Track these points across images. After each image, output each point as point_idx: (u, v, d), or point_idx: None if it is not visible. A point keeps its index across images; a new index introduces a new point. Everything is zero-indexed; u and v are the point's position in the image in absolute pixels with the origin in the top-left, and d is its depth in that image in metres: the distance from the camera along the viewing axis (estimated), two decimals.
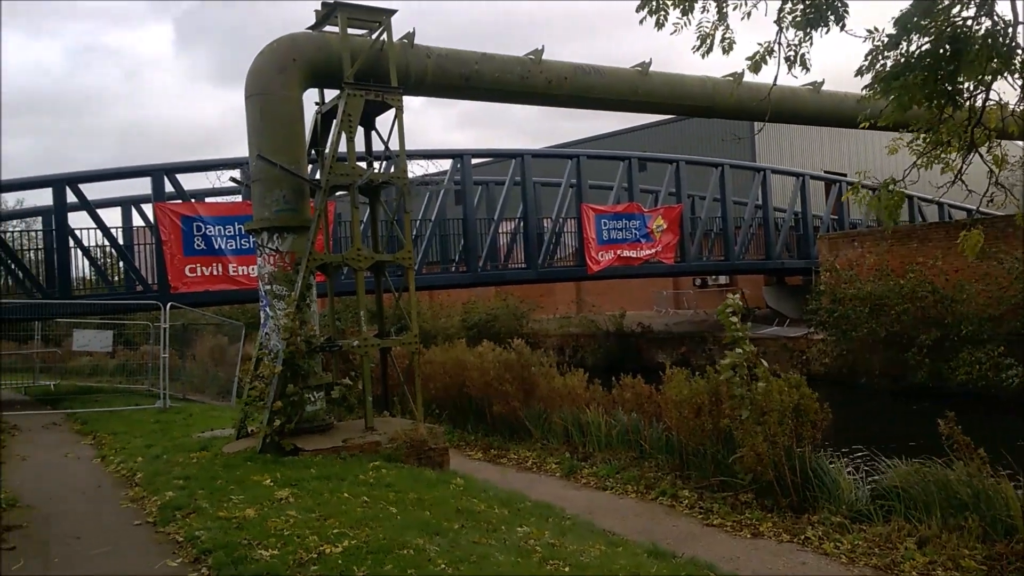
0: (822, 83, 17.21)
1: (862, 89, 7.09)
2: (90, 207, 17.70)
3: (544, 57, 12.61)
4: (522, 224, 22.75)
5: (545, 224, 23.85)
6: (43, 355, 23.10)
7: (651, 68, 14.00)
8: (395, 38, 10.79)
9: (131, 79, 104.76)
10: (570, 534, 7.29)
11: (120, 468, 9.73)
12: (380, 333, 11.67)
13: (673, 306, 37.10)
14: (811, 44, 6.85)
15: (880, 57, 6.71)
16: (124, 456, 10.28)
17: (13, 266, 17.47)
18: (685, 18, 6.91)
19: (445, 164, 22.11)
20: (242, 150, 11.17)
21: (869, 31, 6.73)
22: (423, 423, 10.62)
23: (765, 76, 7.52)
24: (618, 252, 23.60)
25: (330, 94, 11.21)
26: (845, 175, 35.75)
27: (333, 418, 10.63)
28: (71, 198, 17.18)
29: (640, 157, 26.26)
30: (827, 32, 6.72)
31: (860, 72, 6.95)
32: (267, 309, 10.41)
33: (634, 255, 23.95)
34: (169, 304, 16.33)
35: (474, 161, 23.39)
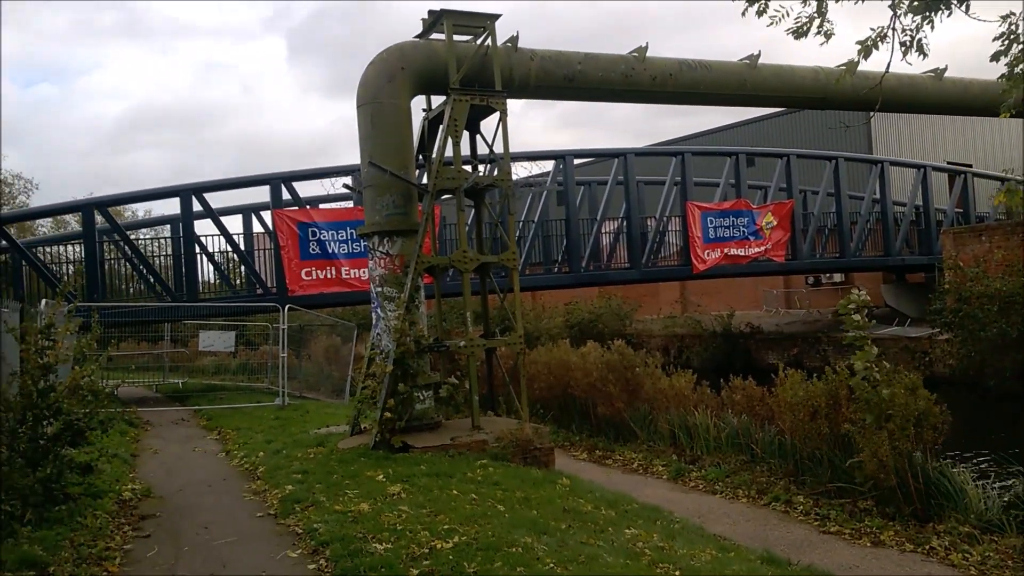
0: (944, 69, 16.26)
1: (999, 77, 6.65)
2: (214, 215, 18.76)
3: (647, 55, 12.46)
4: (625, 223, 22.55)
5: (648, 223, 23.56)
6: (172, 355, 24.61)
7: (760, 60, 13.61)
8: (499, 42, 10.93)
9: (247, 93, 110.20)
10: (679, 538, 7.19)
11: (243, 462, 10.24)
12: (485, 334, 11.83)
13: (784, 305, 35.88)
14: (932, 28, 6.47)
15: (1019, 41, 6.27)
16: (247, 451, 10.82)
17: (145, 271, 18.74)
18: (787, 6, 6.67)
19: (547, 165, 22.22)
20: (351, 158, 11.58)
21: (1003, 16, 6.31)
22: (528, 423, 10.70)
23: (876, 64, 7.19)
24: (725, 250, 23.03)
25: (436, 100, 11.48)
26: (971, 165, 33.64)
27: (441, 416, 10.86)
28: (196, 207, 18.25)
29: (748, 152, 25.53)
30: (948, 15, 6.33)
31: (996, 57, 6.53)
32: (378, 310, 10.74)
33: (742, 253, 23.31)
34: (287, 306, 17.09)
35: (576, 161, 23.37)
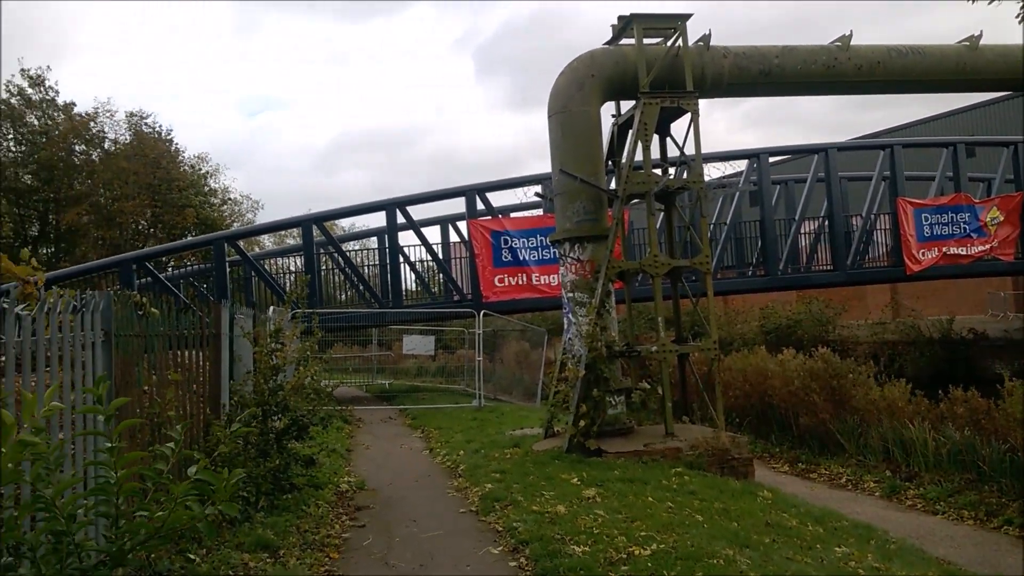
0: None
1: None
2: (416, 226, 19.88)
3: (851, 43, 11.70)
4: (827, 223, 21.25)
5: (853, 222, 22.03)
6: (379, 357, 26.33)
7: (980, 42, 12.33)
8: (690, 42, 10.72)
9: (440, 112, 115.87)
10: (896, 559, 6.67)
11: (445, 460, 10.73)
12: (677, 339, 11.62)
13: (1013, 309, 32.16)
14: None
15: None
16: (448, 449, 11.33)
17: (356, 280, 20.22)
18: None
19: (740, 165, 21.44)
20: (537, 167, 11.83)
21: None
22: (725, 431, 10.37)
23: None
24: (943, 249, 21.03)
25: (626, 106, 11.45)
26: None
27: (633, 422, 10.78)
28: (399, 219, 19.44)
29: (968, 142, 23.18)
30: None
31: None
32: (570, 316, 10.87)
33: (963, 252, 21.17)
34: (482, 311, 17.74)
35: (771, 160, 22.34)
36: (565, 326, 11.15)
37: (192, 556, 5.46)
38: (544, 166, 10.93)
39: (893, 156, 21.17)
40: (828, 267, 21.57)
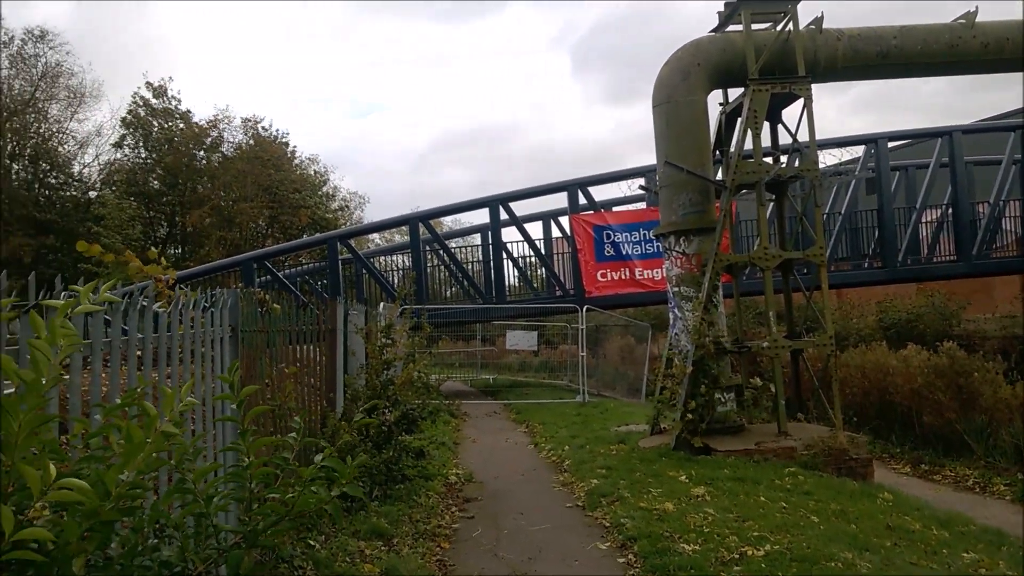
0: None
1: None
2: (518, 222, 20.02)
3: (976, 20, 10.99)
4: (950, 211, 20.04)
5: (979, 210, 20.67)
6: (483, 353, 26.68)
7: None
8: (801, 26, 10.34)
9: (536, 109, 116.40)
10: None
11: (550, 454, 10.78)
12: (790, 334, 11.24)
13: None
14: None
15: None
16: (553, 444, 11.38)
17: (460, 276, 20.57)
18: None
19: (855, 152, 20.48)
20: (634, 161, 11.65)
21: None
22: (842, 430, 9.96)
23: None
24: None
25: (733, 94, 11.16)
26: None
27: (743, 420, 10.51)
28: (502, 216, 19.62)
29: None
30: None
31: None
32: (675, 311, 10.70)
33: None
34: (585, 307, 17.70)
35: (889, 145, 21.24)
36: (671, 321, 10.98)
37: (312, 542, 5.71)
38: (642, 160, 10.78)
39: None
40: (951, 258, 20.36)
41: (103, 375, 3.41)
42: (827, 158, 19.04)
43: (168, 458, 2.88)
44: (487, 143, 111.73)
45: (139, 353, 3.67)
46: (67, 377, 3.06)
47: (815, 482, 8.28)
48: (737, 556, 5.65)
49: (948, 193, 20.11)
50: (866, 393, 14.26)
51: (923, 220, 20.64)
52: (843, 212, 20.35)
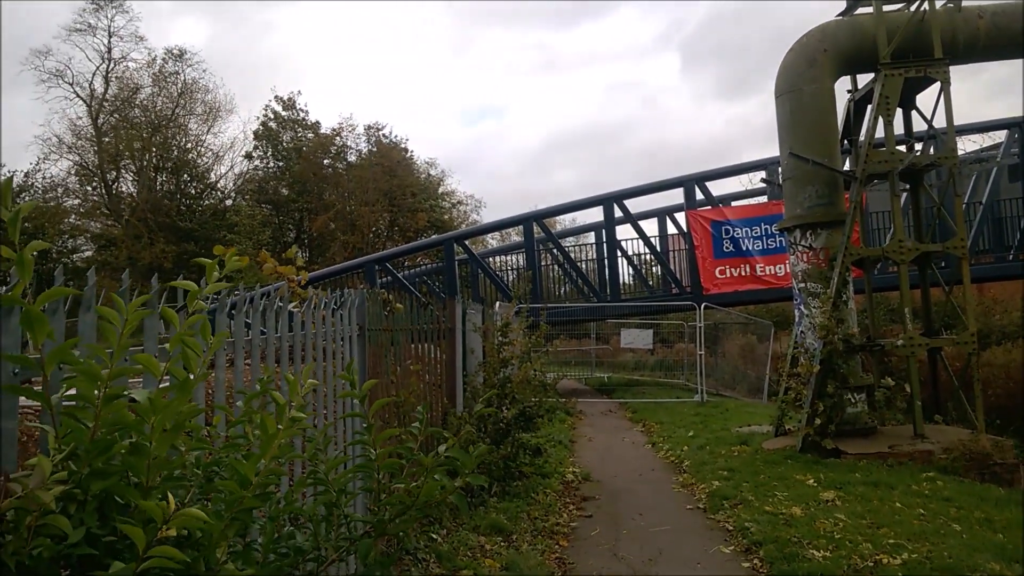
0: None
1: None
2: (633, 219, 19.80)
3: None
4: None
5: None
6: (597, 351, 26.56)
7: None
8: (937, 4, 9.73)
9: (646, 106, 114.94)
10: None
11: (668, 454, 10.60)
12: (927, 331, 10.58)
13: None
14: None
15: None
16: (671, 444, 11.19)
17: (575, 275, 20.55)
18: None
19: (997, 137, 19.06)
20: (747, 156, 11.23)
21: None
22: (985, 434, 9.30)
23: None
24: None
25: (862, 80, 10.62)
26: None
27: (876, 422, 9.99)
28: (616, 213, 19.46)
29: None
30: None
31: None
32: (801, 307, 10.29)
33: None
34: (703, 304, 17.30)
35: None
36: (796, 318, 10.57)
37: (434, 535, 5.85)
38: (755, 155, 10.42)
39: None
40: None
41: (244, 372, 3.62)
42: (966, 144, 17.84)
43: (301, 450, 3.03)
44: (597, 143, 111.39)
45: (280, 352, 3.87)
46: (209, 372, 3.26)
47: (956, 488, 7.79)
48: (871, 564, 5.39)
49: None
50: (1011, 394, 13.32)
51: None
52: (984, 201, 18.96)
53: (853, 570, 5.31)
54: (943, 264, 14.15)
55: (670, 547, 6.38)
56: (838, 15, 10.48)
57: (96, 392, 1.85)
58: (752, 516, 6.76)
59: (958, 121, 9.92)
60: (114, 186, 37.62)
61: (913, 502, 7.13)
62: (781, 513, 6.77)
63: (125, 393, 1.92)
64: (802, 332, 10.26)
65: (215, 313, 3.29)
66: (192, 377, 2.11)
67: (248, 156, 40.14)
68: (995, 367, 13.64)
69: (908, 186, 10.56)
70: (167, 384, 2.07)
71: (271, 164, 39.76)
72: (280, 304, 3.82)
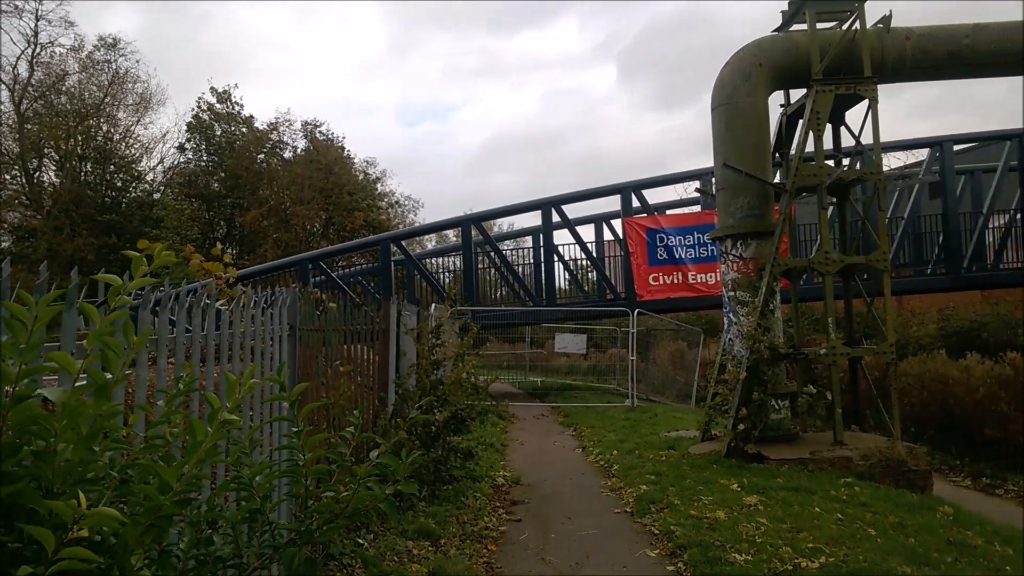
0: None
1: None
2: (571, 225, 19.96)
3: None
4: (1019, 216, 19.32)
5: None
6: (532, 355, 26.67)
7: None
8: (868, 25, 10.09)
9: (585, 115, 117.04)
10: None
11: (598, 459, 10.71)
12: (849, 341, 10.97)
13: None
14: None
15: None
16: (601, 448, 11.30)
17: (511, 279, 20.59)
18: None
19: (918, 155, 19.92)
20: (682, 167, 11.47)
21: None
22: (900, 441, 9.68)
23: None
24: None
25: (795, 95, 10.96)
26: None
27: (798, 428, 10.29)
28: (554, 218, 19.59)
29: None
30: None
31: None
32: (730, 315, 10.53)
33: None
34: (636, 310, 17.55)
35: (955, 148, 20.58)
36: (725, 326, 10.82)
37: (361, 540, 5.77)
38: (689, 165, 10.64)
39: None
40: (1019, 265, 19.62)
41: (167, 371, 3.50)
42: (890, 161, 18.56)
43: (226, 453, 2.94)
44: (537, 149, 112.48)
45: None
46: (130, 372, 3.14)
47: (872, 493, 8.07)
48: (791, 568, 5.54)
49: (1016, 198, 19.38)
50: (925, 403, 13.86)
51: (990, 226, 19.95)
52: (906, 217, 19.80)
53: (773, 573, 5.45)
54: (865, 276, 14.67)
55: (597, 551, 6.45)
56: (774, 31, 10.79)
57: (5, 392, 1.76)
58: (677, 520, 6.88)
59: (883, 138, 10.30)
60: (35, 175, 36.00)
61: (831, 507, 7.35)
62: (705, 517, 6.90)
63: (37, 393, 1.83)
64: (730, 340, 10.50)
65: (139, 310, 3.18)
66: (111, 378, 2.03)
67: (180, 149, 39.00)
68: (911, 377, 14.17)
69: (835, 200, 10.92)
70: (84, 383, 1.98)
71: (203, 158, 38.71)
72: (207, 301, 3.71)
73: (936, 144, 19.13)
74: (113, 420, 2.08)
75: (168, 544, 2.31)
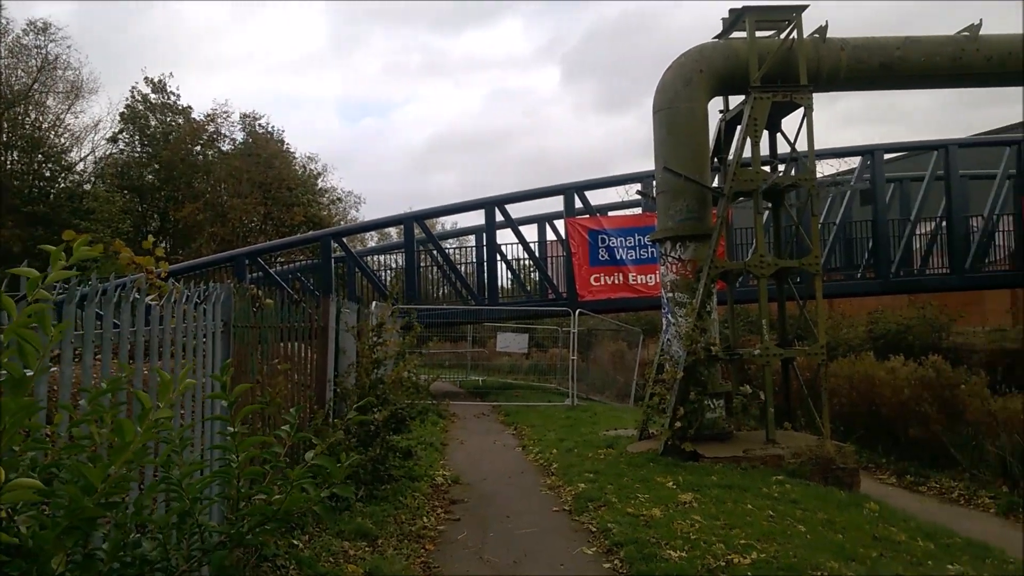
0: None
1: None
2: (514, 224, 20.01)
3: (980, 33, 11.03)
4: (944, 224, 20.14)
5: (973, 223, 20.79)
6: (473, 354, 26.65)
7: None
8: (805, 34, 10.36)
9: (529, 115, 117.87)
10: None
11: (538, 457, 10.76)
12: (782, 342, 11.25)
13: None
14: None
15: None
16: (541, 447, 11.36)
17: (454, 277, 20.54)
18: None
19: (850, 163, 20.59)
20: (625, 169, 11.64)
21: None
22: (830, 440, 9.97)
23: None
24: None
25: (734, 101, 11.18)
26: None
27: (732, 427, 10.52)
28: (498, 218, 19.61)
29: None
30: None
31: None
32: (669, 316, 10.70)
33: None
34: (577, 310, 17.69)
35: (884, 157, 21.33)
36: (663, 327, 10.99)
37: (295, 541, 5.67)
38: (633, 167, 10.82)
39: (1020, 153, 19.85)
40: (944, 271, 20.46)
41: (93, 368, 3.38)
42: (824, 168, 19.15)
43: (155, 454, 2.85)
44: (480, 148, 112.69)
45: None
46: (54, 369, 3.03)
47: (802, 491, 8.28)
48: (723, 564, 5.64)
49: (942, 206, 20.20)
50: (854, 403, 14.29)
51: (917, 232, 20.74)
52: (838, 222, 20.43)
53: (706, 570, 5.55)
54: (799, 280, 15.09)
55: (535, 549, 6.47)
56: (714, 38, 10.99)
57: None
58: (615, 518, 6.95)
59: (817, 146, 10.59)
60: None
61: (763, 504, 7.52)
62: (642, 515, 6.99)
63: None
64: (668, 340, 10.67)
65: (63, 304, 3.06)
66: (30, 373, 1.95)
67: (112, 139, 37.72)
68: (841, 378, 14.60)
69: (770, 205, 11.18)
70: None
71: (137, 149, 37.52)
72: (136, 296, 3.59)
73: (867, 152, 19.80)
74: (35, 419, 2.00)
75: (93, 547, 2.24)
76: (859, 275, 20.86)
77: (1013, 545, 8.12)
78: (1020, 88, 12.15)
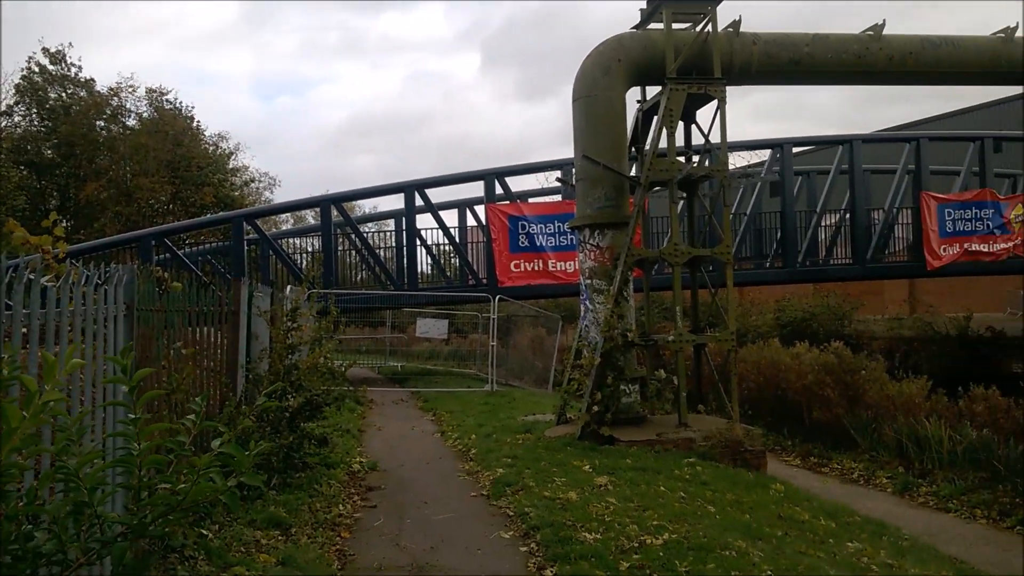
0: None
1: None
2: (434, 209, 19.85)
3: (884, 33, 11.52)
4: (848, 216, 21.06)
5: (875, 216, 21.82)
6: (392, 340, 26.39)
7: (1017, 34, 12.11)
8: (719, 28, 10.60)
9: (448, 100, 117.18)
10: (909, 556, 6.64)
11: (456, 443, 10.75)
12: (694, 329, 11.56)
13: None
14: None
15: None
16: (459, 432, 11.35)
17: (372, 262, 20.26)
18: None
19: (761, 155, 21.27)
20: (545, 156, 11.71)
21: None
22: (739, 423, 10.32)
23: None
24: (965, 246, 20.80)
25: (652, 92, 11.35)
26: None
27: (646, 411, 10.75)
28: (418, 202, 19.41)
29: (996, 136, 22.90)
30: None
31: None
32: (587, 302, 10.83)
33: (985, 249, 20.93)
34: (497, 296, 17.73)
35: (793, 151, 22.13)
36: (582, 313, 11.12)
37: (205, 532, 5.49)
38: (553, 155, 10.90)
39: (919, 150, 20.91)
40: (847, 261, 21.41)
41: None
42: (735, 160, 19.70)
43: (50, 441, 2.70)
44: (399, 131, 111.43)
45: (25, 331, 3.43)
46: None
47: (712, 473, 8.53)
48: (636, 545, 5.76)
49: (846, 199, 21.09)
50: (761, 388, 14.85)
51: (822, 224, 21.62)
52: (748, 213, 21.10)
53: (620, 551, 5.65)
54: (711, 268, 15.53)
55: (452, 534, 6.47)
56: (632, 28, 11.12)
57: None
58: (532, 502, 7.01)
59: (730, 138, 10.87)
60: None
61: (675, 486, 7.71)
62: (558, 498, 7.07)
63: None
64: (587, 326, 10.81)
65: None
66: None
67: (7, 112, 35.51)
68: (749, 363, 15.13)
69: (685, 194, 11.43)
70: None
71: (35, 122, 35.45)
72: (31, 277, 3.38)
73: (777, 146, 20.48)
74: None
75: None
76: (768, 264, 21.62)
77: (907, 523, 8.62)
78: (919, 87, 12.75)
